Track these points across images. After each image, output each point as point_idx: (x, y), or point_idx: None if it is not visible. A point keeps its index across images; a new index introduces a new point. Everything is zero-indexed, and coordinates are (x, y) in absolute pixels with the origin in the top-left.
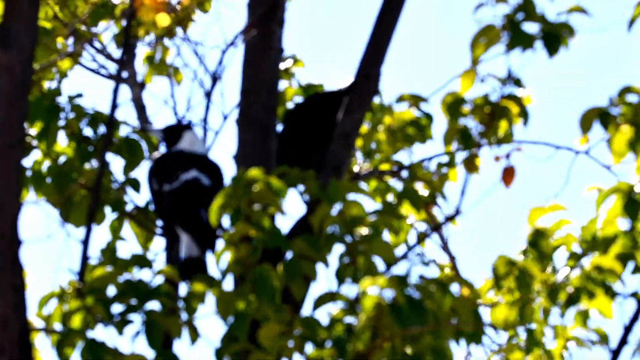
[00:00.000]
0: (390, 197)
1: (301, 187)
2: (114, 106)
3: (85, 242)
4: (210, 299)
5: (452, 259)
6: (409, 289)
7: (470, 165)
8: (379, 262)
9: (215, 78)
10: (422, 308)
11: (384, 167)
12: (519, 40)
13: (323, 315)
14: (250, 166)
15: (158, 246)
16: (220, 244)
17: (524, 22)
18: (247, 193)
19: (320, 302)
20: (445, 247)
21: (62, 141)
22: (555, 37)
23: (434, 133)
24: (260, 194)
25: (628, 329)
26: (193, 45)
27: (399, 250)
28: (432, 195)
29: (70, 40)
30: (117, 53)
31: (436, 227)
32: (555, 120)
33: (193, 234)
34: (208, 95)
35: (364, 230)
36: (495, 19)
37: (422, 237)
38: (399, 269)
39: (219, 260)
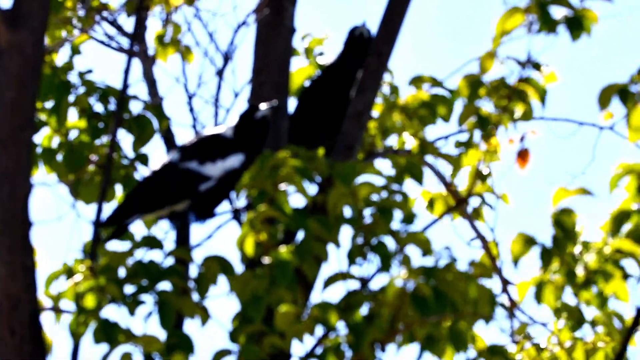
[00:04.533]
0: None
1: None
2: (125, 85)
3: (96, 222)
4: (222, 280)
5: (482, 238)
6: (432, 279)
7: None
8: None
9: (227, 57)
10: (445, 298)
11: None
12: (545, 23)
13: (334, 296)
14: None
15: (166, 225)
16: (241, 226)
17: (551, 4)
18: (273, 175)
19: (330, 281)
20: (473, 226)
21: (73, 117)
22: (579, 22)
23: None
24: (287, 176)
25: None
26: (205, 23)
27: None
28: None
29: (81, 12)
30: (127, 24)
31: (460, 201)
32: (581, 99)
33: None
34: (220, 74)
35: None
36: (522, 1)
37: (449, 210)
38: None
39: (239, 242)
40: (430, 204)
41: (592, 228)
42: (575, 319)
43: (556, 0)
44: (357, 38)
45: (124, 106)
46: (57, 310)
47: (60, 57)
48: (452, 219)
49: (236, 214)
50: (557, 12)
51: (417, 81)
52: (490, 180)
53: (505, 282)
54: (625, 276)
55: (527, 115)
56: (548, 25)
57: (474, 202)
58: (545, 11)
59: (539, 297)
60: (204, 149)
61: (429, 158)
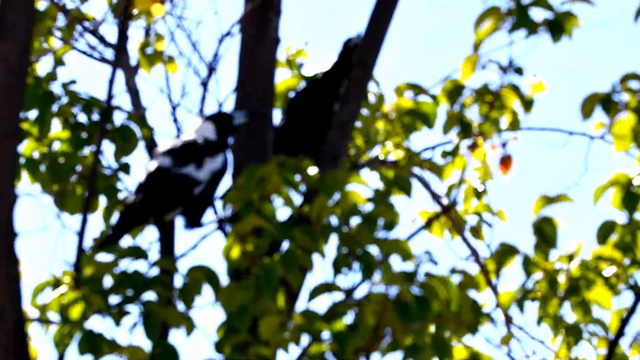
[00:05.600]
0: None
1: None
2: (110, 96)
3: (81, 233)
4: (207, 290)
5: (474, 251)
6: (414, 286)
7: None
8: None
9: (211, 68)
10: (427, 305)
11: (384, 155)
12: (524, 24)
13: (319, 306)
14: (247, 156)
15: (151, 236)
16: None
17: (531, 6)
18: (260, 187)
19: (316, 292)
20: (466, 241)
21: (56, 127)
22: (559, 24)
23: (435, 122)
24: (273, 187)
25: (625, 321)
26: (188, 33)
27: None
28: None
29: (62, 22)
30: (109, 35)
31: (445, 209)
32: (570, 107)
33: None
34: (204, 84)
35: (358, 220)
36: (502, 1)
37: (430, 221)
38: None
39: (226, 253)
40: (429, 224)
41: (577, 236)
42: (571, 339)
43: (536, 3)
44: (351, 49)
45: (108, 117)
46: (42, 321)
47: (42, 68)
48: (445, 233)
49: (221, 224)
50: (538, 14)
51: (401, 89)
52: (486, 197)
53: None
54: (610, 286)
55: (515, 125)
56: (527, 25)
57: (471, 220)
58: (524, 11)
59: (521, 305)
60: (193, 153)
61: (416, 169)
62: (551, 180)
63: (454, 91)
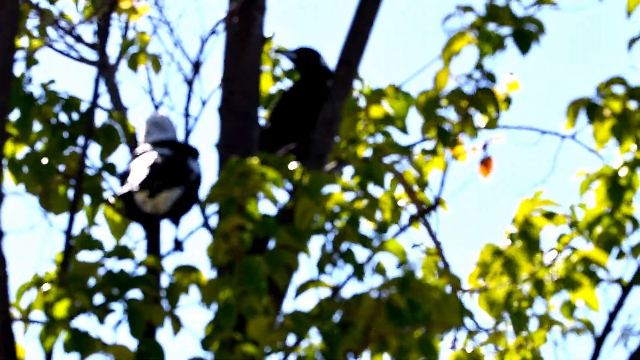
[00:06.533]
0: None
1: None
2: (96, 95)
3: (68, 232)
4: (194, 289)
5: (438, 244)
6: (406, 290)
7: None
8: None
9: (196, 66)
10: (419, 309)
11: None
12: (490, 46)
13: (305, 304)
14: (232, 155)
15: (136, 235)
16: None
17: (491, 23)
18: (241, 183)
19: (302, 289)
20: (430, 233)
21: (36, 128)
22: (525, 35)
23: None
24: (255, 184)
25: (612, 316)
26: (172, 31)
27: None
28: (419, 181)
29: (36, 21)
30: (87, 34)
31: (421, 212)
32: (543, 107)
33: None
34: (189, 82)
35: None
36: (464, 26)
37: (411, 221)
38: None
39: (209, 250)
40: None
41: (557, 235)
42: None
43: (498, 21)
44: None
45: (92, 116)
46: (27, 321)
47: (17, 68)
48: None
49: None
50: (504, 29)
51: (378, 94)
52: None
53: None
54: (597, 281)
55: (492, 124)
56: (494, 42)
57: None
58: (486, 36)
59: (509, 307)
60: (183, 149)
61: (396, 165)
62: (522, 178)
63: (429, 105)
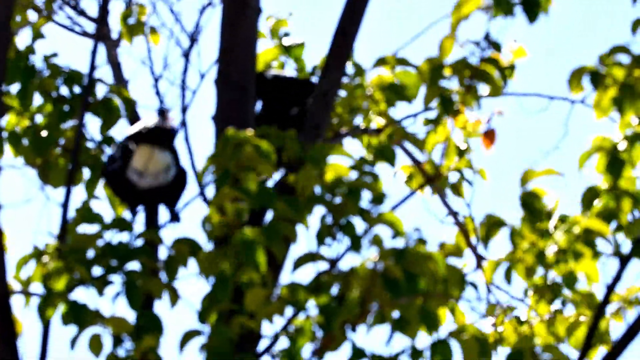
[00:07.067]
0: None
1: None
2: (93, 67)
3: (65, 205)
4: (192, 261)
5: (454, 214)
6: (402, 261)
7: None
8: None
9: (193, 38)
10: (416, 280)
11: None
12: (500, 6)
13: (303, 277)
14: (228, 127)
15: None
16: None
17: None
18: (236, 155)
19: (300, 262)
20: (445, 203)
21: (37, 101)
22: (534, 3)
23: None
24: (249, 155)
25: (611, 289)
26: (170, 4)
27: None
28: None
29: None
30: (90, 8)
31: (429, 180)
32: (549, 75)
33: None
34: (186, 55)
35: (343, 191)
36: None
37: (419, 188)
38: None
39: (205, 222)
40: (410, 178)
41: (562, 205)
42: (549, 296)
43: None
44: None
45: (90, 89)
46: (26, 293)
47: (21, 41)
48: (426, 195)
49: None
50: None
51: (380, 63)
52: (468, 155)
53: (480, 259)
54: (596, 254)
55: (496, 92)
56: (504, 8)
57: (452, 177)
58: None
59: (508, 276)
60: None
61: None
62: (532, 146)
63: (434, 70)
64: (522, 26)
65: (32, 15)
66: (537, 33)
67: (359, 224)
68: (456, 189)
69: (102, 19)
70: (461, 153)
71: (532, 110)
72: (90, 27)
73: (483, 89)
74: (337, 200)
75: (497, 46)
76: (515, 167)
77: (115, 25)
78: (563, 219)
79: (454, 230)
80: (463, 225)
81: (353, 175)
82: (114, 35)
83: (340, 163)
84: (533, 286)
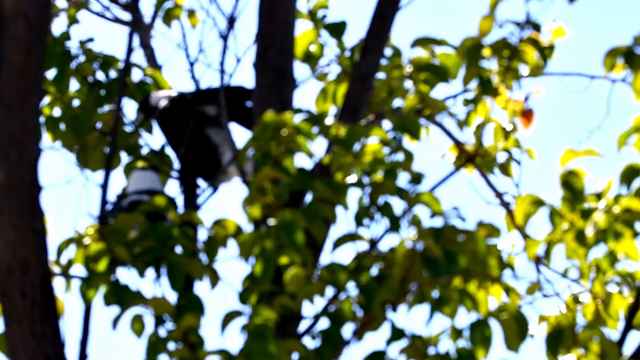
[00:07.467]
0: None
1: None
2: (130, 50)
3: (104, 186)
4: (232, 243)
5: (500, 195)
6: (441, 240)
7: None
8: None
9: (231, 20)
10: (455, 259)
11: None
12: None
13: (343, 257)
14: (266, 110)
15: (174, 190)
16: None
17: None
18: (275, 136)
19: (339, 243)
20: (489, 182)
21: (74, 86)
22: None
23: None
24: (289, 137)
25: None
26: None
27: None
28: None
29: None
30: None
31: (469, 159)
32: (590, 55)
33: None
34: (224, 37)
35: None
36: None
37: (459, 167)
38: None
39: (245, 204)
40: (459, 158)
41: (602, 185)
42: (602, 277)
43: None
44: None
45: (127, 73)
46: (67, 276)
47: (56, 28)
48: (473, 176)
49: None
50: None
51: (419, 43)
52: (515, 134)
53: (528, 239)
54: (635, 234)
55: (537, 71)
56: None
57: (500, 157)
58: None
59: (547, 256)
60: None
61: (439, 117)
62: (574, 125)
63: (473, 49)
64: (562, 5)
65: (62, 3)
66: (578, 12)
67: (397, 204)
68: (504, 169)
69: (134, 4)
70: (507, 133)
71: (574, 89)
72: (122, 14)
73: (523, 69)
74: (374, 181)
75: (536, 26)
76: (557, 147)
77: (147, 10)
78: (600, 196)
79: (500, 211)
80: (507, 205)
81: (385, 151)
82: (147, 20)
83: (376, 144)
84: (590, 266)
